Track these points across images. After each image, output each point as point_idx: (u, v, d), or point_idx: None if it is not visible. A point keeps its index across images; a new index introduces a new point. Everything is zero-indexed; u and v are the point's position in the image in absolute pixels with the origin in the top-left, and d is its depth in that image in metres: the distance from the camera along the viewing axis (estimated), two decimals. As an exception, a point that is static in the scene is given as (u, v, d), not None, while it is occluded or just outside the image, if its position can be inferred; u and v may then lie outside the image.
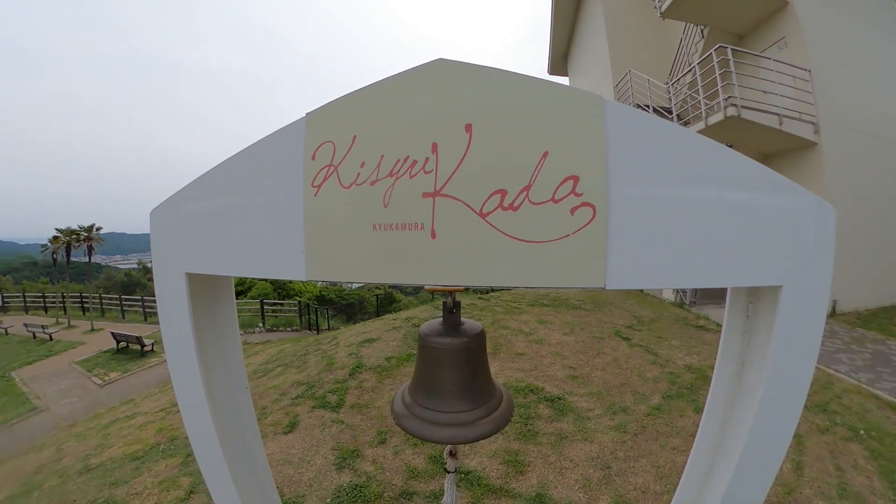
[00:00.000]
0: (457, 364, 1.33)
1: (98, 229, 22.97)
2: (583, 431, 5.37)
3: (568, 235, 0.93)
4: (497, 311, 9.93)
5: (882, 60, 11.00)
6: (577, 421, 5.57)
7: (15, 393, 12.11)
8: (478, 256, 0.99)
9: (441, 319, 1.40)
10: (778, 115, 9.51)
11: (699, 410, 5.55)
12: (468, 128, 0.97)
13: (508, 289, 14.87)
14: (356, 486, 4.57)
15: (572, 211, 0.91)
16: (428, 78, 1.00)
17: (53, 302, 24.84)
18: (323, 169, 1.09)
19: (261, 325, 18.29)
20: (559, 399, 6.04)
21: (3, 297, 26.53)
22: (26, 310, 26.27)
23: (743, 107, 9.47)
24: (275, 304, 22.24)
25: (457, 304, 1.36)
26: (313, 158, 1.10)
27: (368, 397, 6.35)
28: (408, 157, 1.01)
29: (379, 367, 7.25)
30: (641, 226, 0.93)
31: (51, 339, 17.69)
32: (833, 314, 9.83)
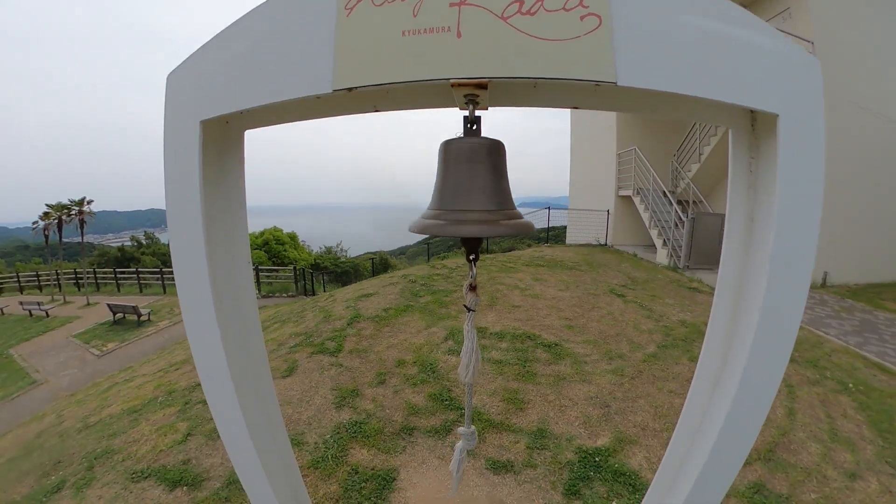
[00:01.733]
0: (481, 163, 1.36)
1: (89, 203, 22.26)
2: (581, 374, 5.39)
3: (579, 37, 1.03)
4: (492, 270, 9.90)
5: (885, 39, 10.78)
6: (575, 364, 5.59)
7: (14, 369, 12.11)
8: (500, 51, 1.09)
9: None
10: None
11: (694, 360, 5.57)
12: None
13: (509, 251, 14.80)
14: (356, 422, 4.56)
15: (581, 18, 1.03)
16: None
17: (48, 280, 24.46)
18: None
19: (256, 291, 18.20)
20: (556, 345, 6.06)
21: None
22: (21, 290, 25.92)
23: None
24: (270, 270, 22.04)
25: (477, 119, 1.35)
26: None
27: (367, 343, 6.32)
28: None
29: (377, 317, 7.20)
30: (647, 34, 1.04)
31: (47, 315, 17.49)
32: (823, 286, 10.01)
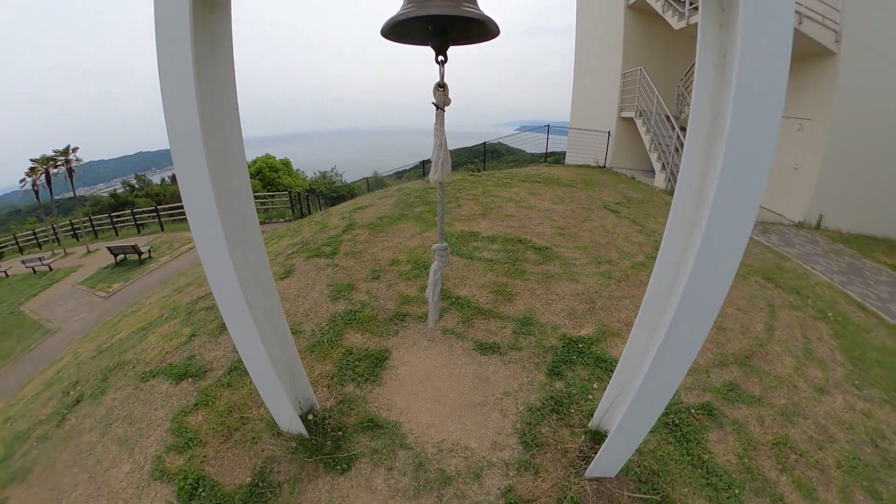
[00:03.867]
0: None
1: (74, 150, 21.30)
2: (569, 273, 5.52)
3: None
4: (488, 185, 9.86)
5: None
6: (564, 266, 5.71)
7: (27, 323, 12.39)
8: None
9: None
10: (799, 13, 8.71)
11: None
12: None
13: (498, 167, 14.67)
14: (351, 311, 4.73)
15: None
16: None
17: (45, 237, 24.17)
18: None
19: None
20: (546, 248, 6.16)
21: None
22: (21, 251, 25.41)
23: None
24: (265, 197, 21.90)
25: None
26: None
27: (362, 247, 6.42)
28: None
29: (371, 225, 7.26)
30: None
31: (50, 269, 17.37)
32: (817, 227, 9.90)
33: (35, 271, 17.71)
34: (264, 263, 2.76)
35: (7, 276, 18.43)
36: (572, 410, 3.49)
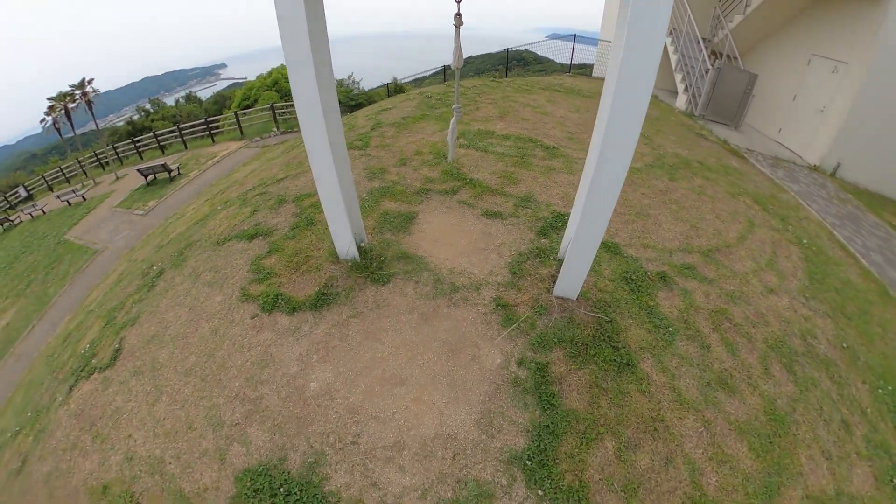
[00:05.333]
0: None
1: (89, 81, 21.14)
2: (569, 169, 6.40)
3: None
4: (508, 90, 10.43)
5: None
6: (566, 163, 6.58)
7: (75, 248, 13.17)
8: None
9: None
10: None
11: (674, 180, 6.44)
12: None
13: (522, 75, 14.84)
14: (384, 187, 5.83)
15: None
16: None
17: (72, 171, 24.43)
18: None
19: (276, 129, 18.59)
20: (554, 148, 7.01)
21: (25, 188, 25.92)
22: (51, 188, 25.76)
23: None
24: (286, 107, 22.04)
25: None
26: None
27: (390, 141, 7.38)
28: None
29: (396, 124, 8.14)
30: None
31: (84, 199, 17.72)
32: (832, 175, 9.57)
33: (70, 203, 18.05)
34: (337, 117, 3.79)
35: (44, 212, 18.95)
36: (551, 257, 4.57)
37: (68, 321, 7.16)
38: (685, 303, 4.29)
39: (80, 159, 23.52)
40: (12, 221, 20.17)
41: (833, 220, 7.27)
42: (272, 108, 19.35)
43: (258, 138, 17.44)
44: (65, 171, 25.20)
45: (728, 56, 11.68)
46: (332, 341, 3.82)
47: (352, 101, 25.62)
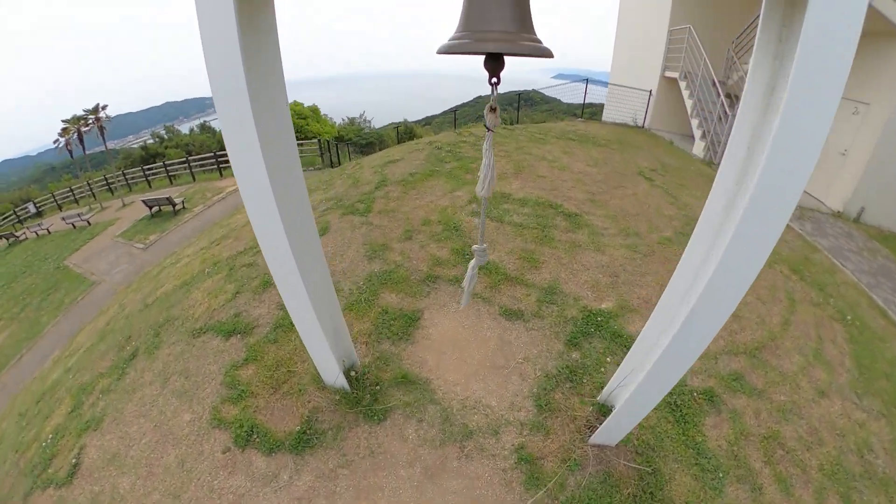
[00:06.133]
0: None
1: (104, 108, 21.79)
2: (596, 244, 5.64)
3: None
4: (521, 140, 9.78)
5: None
6: (592, 235, 5.82)
7: (73, 277, 13.15)
8: None
9: None
10: None
11: None
12: None
13: (531, 115, 14.37)
14: (386, 272, 5.04)
15: None
16: None
17: (82, 192, 25.05)
18: None
19: None
20: (576, 215, 6.25)
21: (35, 205, 26.91)
22: (59, 207, 26.26)
23: None
24: (298, 145, 22.13)
25: None
26: None
27: (395, 204, 6.63)
28: None
29: (403, 181, 7.43)
30: None
31: (89, 224, 17.97)
32: (856, 220, 9.37)
33: (75, 227, 18.36)
34: (311, 223, 2.96)
35: (49, 232, 19.35)
36: (585, 380, 3.75)
37: (49, 368, 6.96)
38: (735, 430, 3.64)
39: (90, 181, 23.93)
40: (17, 237, 20.59)
41: (868, 279, 7.12)
42: None
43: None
44: (75, 191, 25.90)
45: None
46: (316, 499, 3.02)
47: (363, 139, 25.67)
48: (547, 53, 1.46)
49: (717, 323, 2.20)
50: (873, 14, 8.20)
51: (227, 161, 19.96)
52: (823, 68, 1.39)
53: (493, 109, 1.73)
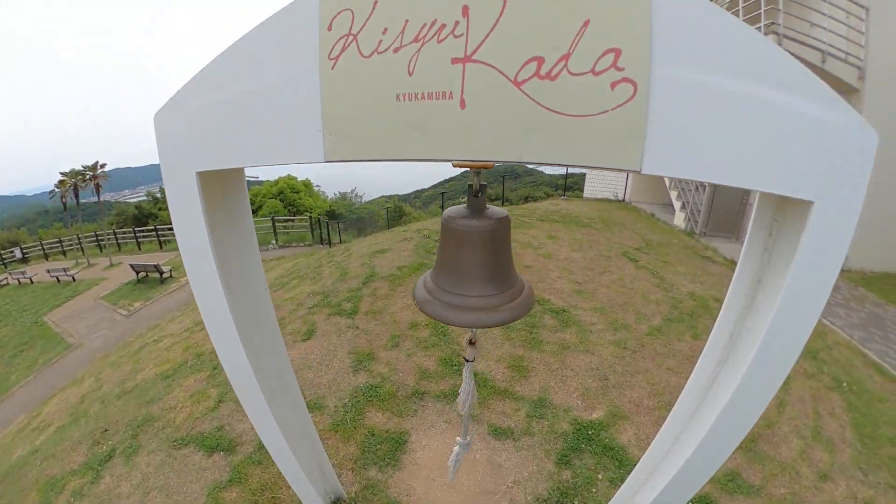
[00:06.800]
0: (480, 248, 1.31)
1: (102, 166, 22.55)
2: (585, 343, 5.65)
3: (606, 112, 0.88)
4: (507, 226, 9.98)
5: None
6: (580, 333, 5.85)
7: (50, 335, 12.86)
8: (511, 128, 0.94)
9: (465, 204, 1.36)
10: (822, 51, 8.71)
11: (697, 337, 5.79)
12: (504, -13, 0.87)
13: (515, 189, 14.74)
14: (371, 386, 4.97)
15: (613, 86, 0.86)
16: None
17: (70, 245, 25.23)
18: (341, 39, 1.02)
19: (274, 241, 18.63)
20: (564, 311, 6.30)
21: (21, 250, 27.11)
22: (46, 257, 26.80)
23: (784, 36, 8.65)
24: (286, 220, 22.54)
25: (482, 188, 1.32)
26: (329, 29, 1.03)
27: (382, 304, 6.65)
28: (435, 20, 0.92)
29: (391, 276, 7.50)
30: (681, 111, 0.88)
31: (73, 280, 18.10)
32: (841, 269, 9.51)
33: (59, 280, 18.42)
34: (287, 363, 2.82)
35: (32, 282, 19.34)
36: (576, 503, 3.65)
37: (14, 435, 6.74)
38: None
39: (80, 235, 24.08)
40: None
41: (860, 333, 7.15)
42: (273, 221, 19.55)
43: (256, 249, 17.48)
44: (63, 243, 25.61)
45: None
46: None
47: (353, 214, 26.44)
48: (527, 310, 1.39)
49: (729, 450, 2.00)
50: (827, 76, 8.67)
51: (218, 236, 20.18)
52: (819, 270, 1.25)
53: (471, 342, 1.74)
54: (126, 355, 8.79)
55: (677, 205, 12.35)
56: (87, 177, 22.24)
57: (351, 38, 1.01)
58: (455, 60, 0.93)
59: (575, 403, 4.71)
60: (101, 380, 7.70)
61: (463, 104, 0.95)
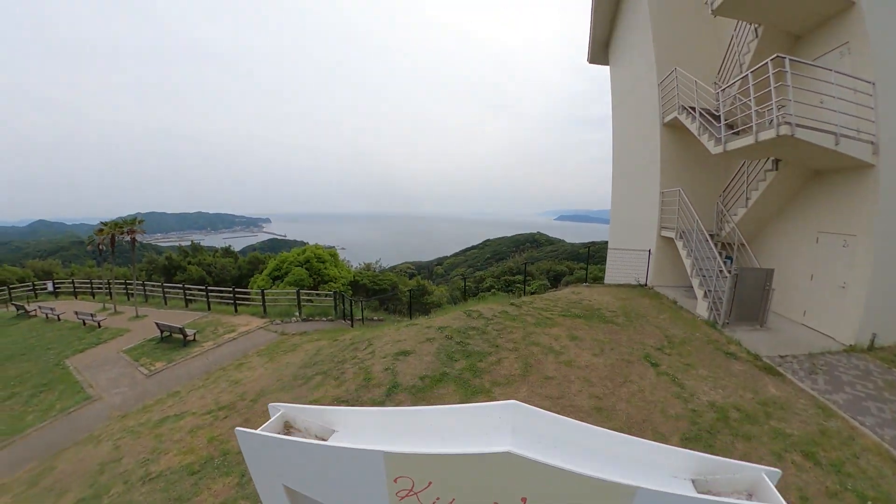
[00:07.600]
0: None
1: (140, 222, 23.76)
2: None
3: None
4: (528, 322, 10.15)
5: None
6: (601, 464, 5.74)
7: (70, 381, 13.16)
8: None
9: None
10: (835, 133, 8.83)
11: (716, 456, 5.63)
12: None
13: (535, 261, 14.80)
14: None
15: None
16: (496, 466, 1.24)
17: (100, 287, 26.34)
18: (403, 490, 1.33)
19: (297, 314, 18.92)
20: (584, 437, 6.22)
21: (54, 284, 28.52)
22: (75, 294, 28.12)
23: (797, 125, 8.83)
24: (310, 292, 22.98)
25: None
26: (395, 482, 1.34)
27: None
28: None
29: (414, 388, 7.67)
30: None
31: (99, 326, 18.79)
32: (870, 349, 9.20)
33: (85, 324, 19.12)
34: None
35: (59, 319, 20.27)
36: None
37: (24, 488, 6.85)
38: None
39: (110, 280, 25.53)
40: (28, 311, 21.78)
41: (892, 431, 6.53)
42: (298, 292, 19.92)
43: (279, 321, 17.77)
44: (94, 284, 26.56)
45: (740, 244, 12.53)
46: None
47: (377, 285, 27.05)
48: None
49: None
50: (843, 156, 9.04)
51: (244, 298, 21.07)
52: None
53: None
54: (146, 426, 9.03)
55: (699, 293, 12.13)
56: (125, 229, 23.28)
57: (413, 494, 1.32)
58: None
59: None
60: (121, 449, 7.87)
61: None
